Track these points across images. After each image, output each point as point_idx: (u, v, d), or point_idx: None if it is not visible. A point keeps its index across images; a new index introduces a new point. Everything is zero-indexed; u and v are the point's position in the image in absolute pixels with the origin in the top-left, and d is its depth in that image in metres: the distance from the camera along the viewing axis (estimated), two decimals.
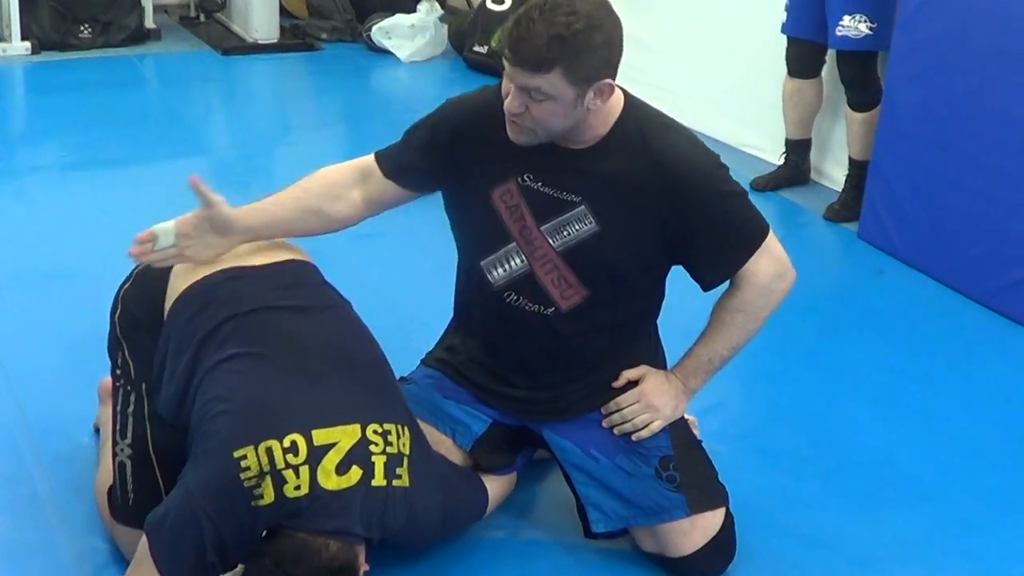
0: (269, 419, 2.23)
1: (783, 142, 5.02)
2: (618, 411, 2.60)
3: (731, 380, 3.38)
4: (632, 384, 2.62)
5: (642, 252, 2.51)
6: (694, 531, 2.58)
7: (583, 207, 2.46)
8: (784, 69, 4.84)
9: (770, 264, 2.53)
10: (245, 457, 2.17)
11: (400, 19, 6.78)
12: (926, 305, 4.08)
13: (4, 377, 3.21)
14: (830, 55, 4.71)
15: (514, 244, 2.51)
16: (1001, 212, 3.95)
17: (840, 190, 4.80)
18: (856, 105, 4.58)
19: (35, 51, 6.54)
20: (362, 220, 2.67)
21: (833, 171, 4.93)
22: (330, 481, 2.20)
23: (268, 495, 2.17)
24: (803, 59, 4.75)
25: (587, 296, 2.52)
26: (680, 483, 2.57)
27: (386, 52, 6.74)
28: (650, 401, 2.59)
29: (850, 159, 4.70)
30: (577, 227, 2.47)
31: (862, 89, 4.54)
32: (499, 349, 2.65)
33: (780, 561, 2.72)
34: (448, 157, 2.54)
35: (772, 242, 2.54)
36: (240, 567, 2.27)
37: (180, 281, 2.50)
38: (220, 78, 6.54)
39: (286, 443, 2.19)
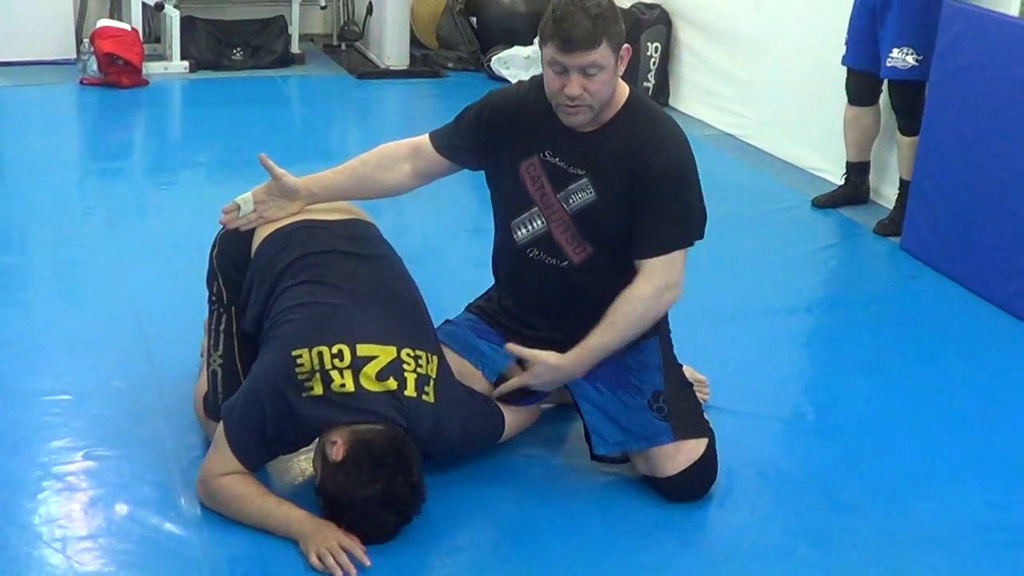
0: (324, 330, 2.80)
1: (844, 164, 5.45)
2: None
3: (755, 353, 3.95)
4: None
5: (629, 219, 2.99)
6: (679, 455, 3.03)
7: (586, 179, 2.99)
8: (845, 98, 5.28)
9: (668, 271, 2.97)
10: (301, 356, 2.74)
11: (517, 51, 7.32)
12: (948, 305, 4.49)
13: (136, 319, 3.88)
14: (885, 85, 5.13)
15: (536, 208, 3.05)
16: (1021, 224, 4.34)
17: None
18: (905, 130, 5.00)
19: (192, 70, 7.26)
20: (411, 189, 3.23)
21: (890, 192, 5.30)
22: (371, 384, 2.75)
23: (318, 388, 2.72)
24: (860, 88, 5.18)
25: (592, 252, 3.04)
26: (667, 414, 3.05)
27: (504, 80, 7.17)
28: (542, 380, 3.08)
29: (900, 179, 5.10)
30: (581, 195, 3.00)
31: (909, 115, 4.94)
32: (523, 297, 3.18)
33: (760, 492, 3.16)
34: (489, 136, 3.09)
35: (683, 257, 2.99)
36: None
37: (264, 228, 3.10)
38: (354, 98, 7.20)
39: (334, 350, 2.75)
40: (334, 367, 2.74)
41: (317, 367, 2.73)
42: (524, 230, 3.09)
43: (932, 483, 3.27)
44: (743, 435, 3.40)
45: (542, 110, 2.97)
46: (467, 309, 3.35)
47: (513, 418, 3.19)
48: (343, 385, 2.73)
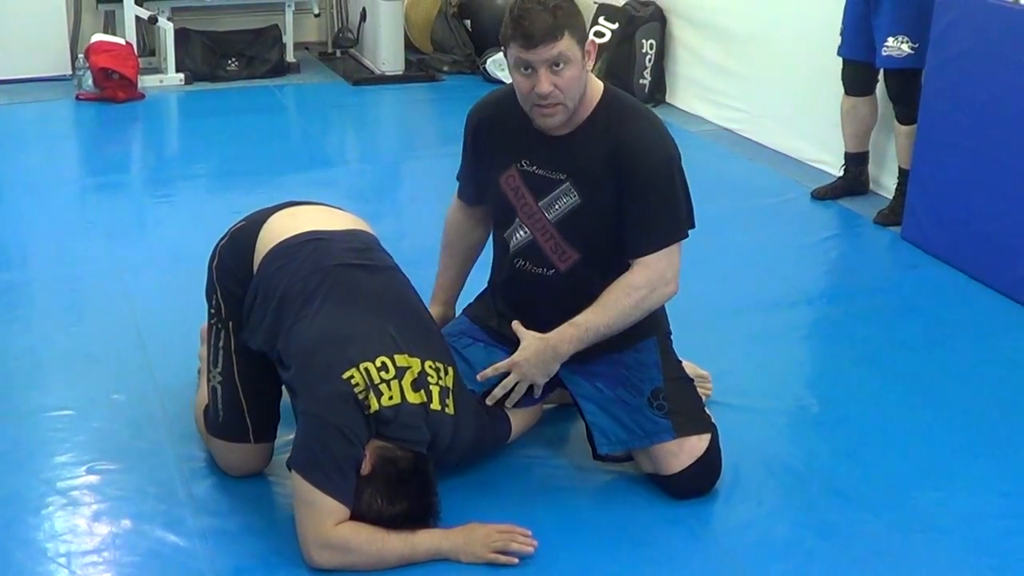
0: (361, 346, 2.75)
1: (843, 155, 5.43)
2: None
3: (757, 347, 3.94)
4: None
5: (617, 220, 2.98)
6: (681, 452, 3.02)
7: (568, 183, 2.99)
8: (841, 89, 5.27)
9: (666, 266, 2.97)
10: (352, 376, 2.69)
11: None
12: (950, 294, 4.47)
13: (136, 331, 3.89)
14: (881, 74, 5.12)
15: (518, 219, 3.06)
16: (1021, 210, 4.32)
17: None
18: (902, 119, 4.99)
19: (188, 82, 7.24)
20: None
21: (889, 182, 5.28)
22: (411, 395, 2.75)
23: (373, 404, 2.69)
24: (856, 78, 5.17)
25: (579, 259, 3.04)
26: (668, 411, 3.04)
27: (500, 82, 7.05)
28: (522, 371, 3.03)
29: (899, 169, 5.09)
30: (565, 200, 3.00)
31: (906, 104, 4.93)
32: (515, 305, 3.17)
33: (766, 486, 3.14)
34: (475, 152, 3.15)
35: (678, 250, 3.00)
36: None
37: (268, 239, 3.01)
38: (351, 105, 7.18)
39: (377, 363, 2.72)
40: (382, 380, 2.71)
41: (368, 383, 2.70)
42: (511, 241, 3.11)
43: (938, 472, 3.26)
44: (747, 429, 3.39)
45: (517, 119, 2.98)
46: (463, 313, 3.35)
47: (516, 420, 3.18)
48: (391, 398, 2.72)
